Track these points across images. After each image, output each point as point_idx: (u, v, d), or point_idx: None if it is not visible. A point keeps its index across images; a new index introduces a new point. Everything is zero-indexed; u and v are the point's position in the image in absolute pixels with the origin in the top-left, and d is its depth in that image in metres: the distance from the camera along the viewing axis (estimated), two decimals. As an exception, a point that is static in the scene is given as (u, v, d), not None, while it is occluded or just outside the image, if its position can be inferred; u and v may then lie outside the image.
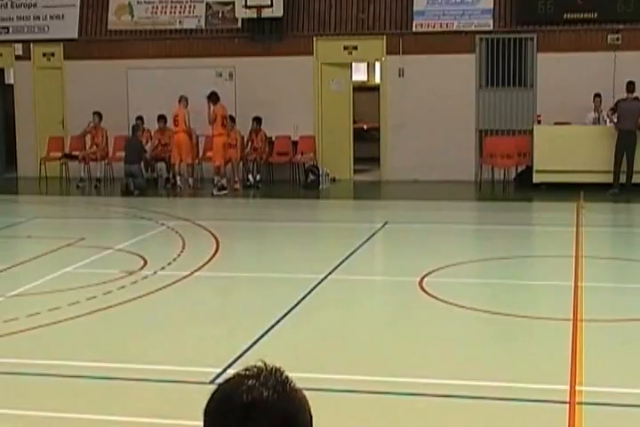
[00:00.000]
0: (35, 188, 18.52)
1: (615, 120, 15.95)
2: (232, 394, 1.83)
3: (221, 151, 17.20)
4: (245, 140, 18.04)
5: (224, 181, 17.12)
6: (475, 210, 15.72)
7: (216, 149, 17.26)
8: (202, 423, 1.85)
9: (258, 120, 17.86)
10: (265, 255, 11.63)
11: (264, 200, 17.00)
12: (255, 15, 18.07)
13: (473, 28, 17.81)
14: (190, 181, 17.67)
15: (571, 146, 16.22)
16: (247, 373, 1.87)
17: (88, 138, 18.67)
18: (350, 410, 5.85)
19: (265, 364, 1.89)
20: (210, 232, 12.55)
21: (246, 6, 17.99)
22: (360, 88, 20.73)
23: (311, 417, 1.87)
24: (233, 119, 17.67)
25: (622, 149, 15.76)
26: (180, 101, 17.49)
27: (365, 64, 22.07)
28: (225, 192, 16.97)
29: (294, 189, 17.66)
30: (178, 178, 17.52)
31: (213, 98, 17.18)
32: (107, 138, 18.57)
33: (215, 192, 16.91)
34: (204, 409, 1.86)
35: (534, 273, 10.55)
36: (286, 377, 1.87)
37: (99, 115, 18.24)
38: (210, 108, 17.11)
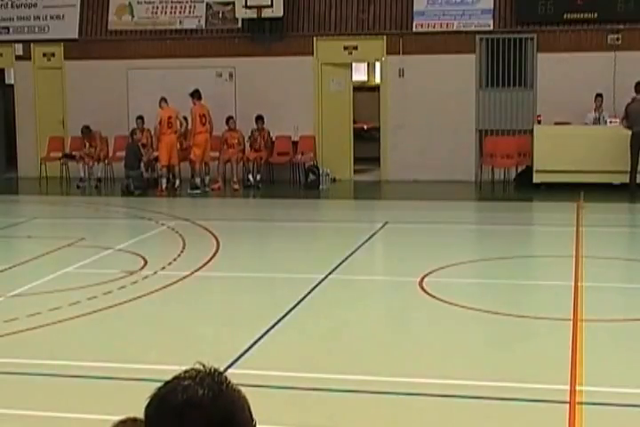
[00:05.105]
0: (35, 188, 18.51)
1: (627, 125, 15.87)
2: (168, 395, 1.81)
3: (201, 148, 17.22)
4: (248, 139, 18.01)
5: (198, 181, 17.14)
6: (475, 210, 15.71)
7: (195, 147, 17.27)
8: None
9: (261, 119, 17.82)
10: (265, 255, 11.62)
11: (264, 200, 16.99)
12: (255, 15, 18.07)
13: (473, 28, 17.80)
14: (197, 180, 17.58)
15: (571, 146, 16.21)
16: (184, 375, 1.84)
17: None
18: (350, 410, 5.85)
19: (204, 366, 1.86)
20: (210, 232, 12.55)
21: (246, 6, 17.99)
22: (360, 88, 20.73)
23: (251, 416, 1.84)
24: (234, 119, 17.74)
25: (636, 149, 15.72)
26: (164, 102, 17.41)
27: (365, 64, 22.07)
28: (198, 191, 16.99)
29: (294, 189, 17.65)
30: (177, 180, 17.46)
31: (197, 95, 17.19)
32: (106, 140, 18.55)
33: (189, 191, 17.01)
34: (144, 414, 1.83)
35: (534, 273, 10.56)
36: (224, 377, 1.84)
37: (87, 129, 18.23)
38: (194, 104, 17.15)
